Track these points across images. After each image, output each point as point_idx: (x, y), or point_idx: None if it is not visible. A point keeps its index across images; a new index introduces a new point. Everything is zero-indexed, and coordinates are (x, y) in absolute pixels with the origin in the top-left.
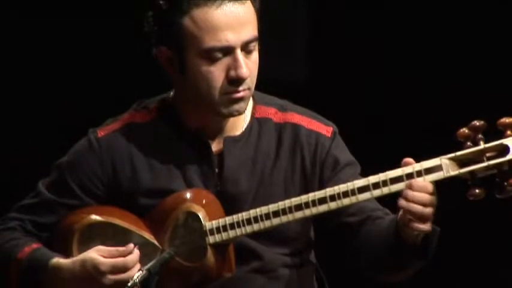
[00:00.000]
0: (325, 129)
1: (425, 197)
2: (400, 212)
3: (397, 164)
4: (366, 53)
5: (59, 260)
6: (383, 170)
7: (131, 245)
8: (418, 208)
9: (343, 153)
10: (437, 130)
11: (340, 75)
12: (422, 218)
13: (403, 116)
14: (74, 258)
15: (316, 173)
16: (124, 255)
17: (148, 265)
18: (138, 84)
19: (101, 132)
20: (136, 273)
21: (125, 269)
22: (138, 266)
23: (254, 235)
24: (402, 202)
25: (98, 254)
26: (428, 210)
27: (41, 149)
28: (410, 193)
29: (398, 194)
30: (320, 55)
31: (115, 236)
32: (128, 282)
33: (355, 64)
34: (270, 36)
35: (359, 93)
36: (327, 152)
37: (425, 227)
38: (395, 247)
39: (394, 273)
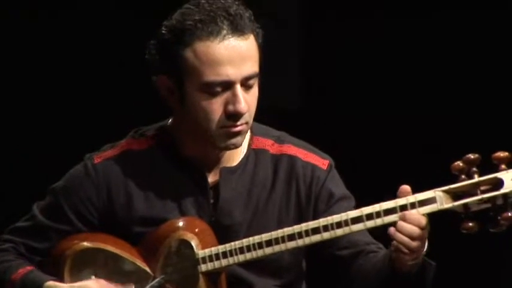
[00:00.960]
0: (321, 162)
1: (415, 230)
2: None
3: (391, 195)
4: (360, 81)
5: (55, 283)
6: (377, 201)
7: (132, 286)
8: (405, 240)
9: (338, 186)
10: (433, 162)
11: (334, 103)
12: (409, 250)
13: (399, 146)
14: (72, 284)
15: (310, 205)
16: None
17: None
18: (137, 109)
19: (97, 159)
20: None
21: None
22: None
23: (246, 265)
24: (391, 230)
25: (97, 286)
26: (416, 243)
27: (41, 156)
28: (401, 223)
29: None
30: (313, 83)
31: (107, 263)
32: None
33: (349, 93)
34: (263, 64)
35: (353, 122)
36: (322, 185)
37: (410, 258)
38: (390, 278)
39: None
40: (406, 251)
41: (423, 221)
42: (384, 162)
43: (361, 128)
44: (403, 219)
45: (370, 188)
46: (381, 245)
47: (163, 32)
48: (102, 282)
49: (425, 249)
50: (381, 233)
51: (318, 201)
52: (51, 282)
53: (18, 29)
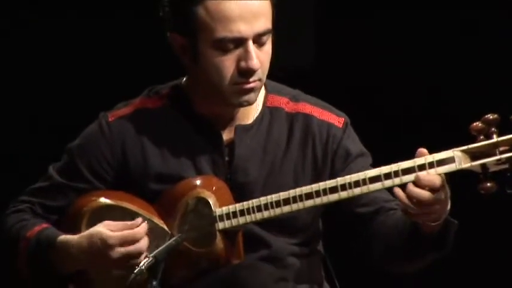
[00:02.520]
0: (337, 120)
1: (425, 194)
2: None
3: (406, 154)
4: (374, 38)
5: (66, 236)
6: (391, 159)
7: (139, 219)
8: (410, 205)
9: (354, 144)
10: (449, 122)
11: (347, 61)
12: (421, 212)
13: (413, 103)
14: (82, 234)
15: (327, 164)
16: (132, 228)
17: (155, 252)
18: (149, 70)
19: (112, 116)
20: (142, 261)
21: (133, 241)
22: (146, 239)
23: (263, 224)
24: (398, 192)
25: (105, 228)
26: (424, 208)
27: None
28: (410, 188)
29: None
30: (326, 40)
31: (123, 219)
32: (136, 257)
33: (362, 50)
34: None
35: (366, 79)
36: (339, 143)
37: (427, 219)
38: (412, 237)
39: (408, 264)
40: (413, 212)
41: (437, 181)
42: (398, 120)
43: (376, 86)
44: (416, 182)
45: (384, 146)
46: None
47: None
48: (108, 222)
49: (448, 208)
50: None
51: (334, 160)
52: (64, 236)
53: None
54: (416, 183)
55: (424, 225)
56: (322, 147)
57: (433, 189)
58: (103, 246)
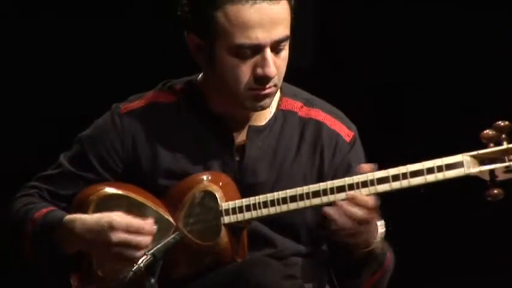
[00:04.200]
0: (347, 132)
1: (359, 212)
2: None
3: (405, 153)
4: (374, 38)
5: (74, 215)
6: (389, 161)
7: (151, 220)
8: (343, 221)
9: (358, 159)
10: (449, 122)
11: (346, 61)
12: (351, 231)
13: (413, 103)
14: (92, 214)
15: (330, 174)
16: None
17: (153, 250)
18: (164, 65)
19: (124, 108)
20: (141, 258)
21: (138, 231)
22: (150, 238)
23: (269, 223)
24: (327, 209)
25: (118, 216)
26: (356, 227)
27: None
28: (346, 206)
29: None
30: (326, 40)
31: (130, 209)
32: (134, 249)
33: (362, 50)
34: None
35: (366, 79)
36: (344, 156)
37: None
38: (346, 259)
39: (349, 281)
40: (345, 232)
41: (370, 202)
42: (399, 120)
43: (376, 86)
44: (350, 199)
45: (384, 146)
46: None
47: None
48: (122, 213)
49: (376, 234)
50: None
51: (337, 171)
52: (71, 215)
53: None
54: (350, 201)
55: (355, 251)
56: (330, 156)
57: (366, 209)
58: (108, 226)
